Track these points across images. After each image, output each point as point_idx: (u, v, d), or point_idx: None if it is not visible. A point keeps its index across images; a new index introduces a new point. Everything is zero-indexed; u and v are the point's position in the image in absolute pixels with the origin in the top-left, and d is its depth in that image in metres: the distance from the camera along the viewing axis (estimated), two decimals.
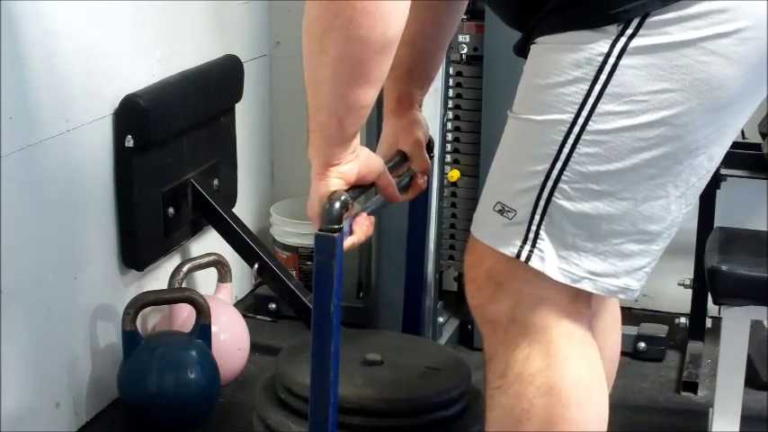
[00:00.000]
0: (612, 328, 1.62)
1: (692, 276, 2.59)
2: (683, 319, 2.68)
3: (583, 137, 1.29)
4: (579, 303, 1.37)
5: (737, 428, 2.04)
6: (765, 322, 2.55)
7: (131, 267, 2.37)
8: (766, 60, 1.29)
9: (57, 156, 2.11)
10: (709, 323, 2.65)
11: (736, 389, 2.03)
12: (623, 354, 2.52)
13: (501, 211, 1.35)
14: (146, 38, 2.40)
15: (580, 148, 1.30)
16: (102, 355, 2.31)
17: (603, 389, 1.40)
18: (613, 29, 1.27)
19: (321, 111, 1.34)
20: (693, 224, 2.49)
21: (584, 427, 1.36)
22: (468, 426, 1.68)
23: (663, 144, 1.29)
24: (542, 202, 1.32)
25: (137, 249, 2.34)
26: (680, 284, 2.62)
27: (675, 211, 1.34)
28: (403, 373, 1.71)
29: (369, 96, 1.33)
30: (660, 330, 2.66)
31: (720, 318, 2.08)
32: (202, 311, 2.25)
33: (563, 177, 1.31)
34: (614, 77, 1.27)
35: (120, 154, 2.27)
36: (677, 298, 2.75)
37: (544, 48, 1.34)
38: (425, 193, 1.72)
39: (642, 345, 2.61)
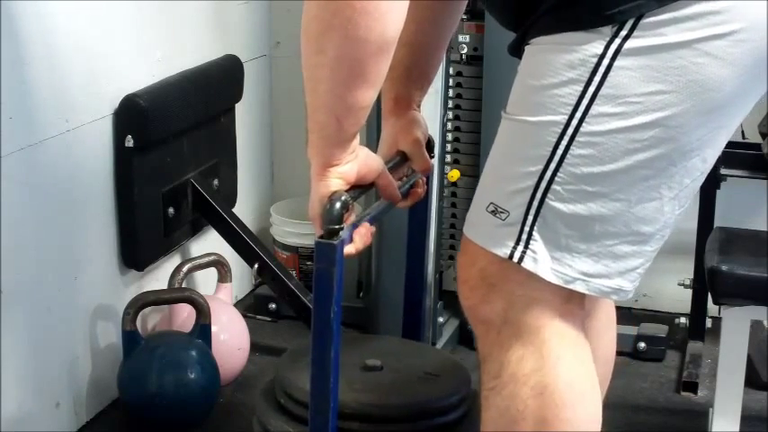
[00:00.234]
0: (607, 328, 1.62)
1: (692, 276, 2.59)
2: (683, 319, 2.68)
3: (576, 138, 1.29)
4: (572, 304, 1.37)
5: (737, 428, 2.04)
6: (765, 322, 2.55)
7: (131, 267, 2.37)
8: (761, 62, 1.29)
9: (57, 156, 2.11)
10: (709, 323, 2.65)
11: (736, 389, 2.03)
12: (623, 354, 2.56)
13: (494, 212, 1.35)
14: (146, 38, 2.40)
15: (574, 150, 1.30)
16: (102, 355, 2.31)
17: (597, 389, 1.40)
18: (608, 30, 1.27)
19: (320, 111, 1.34)
20: (693, 224, 2.49)
21: (578, 428, 1.36)
22: (468, 431, 1.68)
23: (657, 146, 1.29)
24: (535, 203, 1.32)
25: (137, 249, 2.35)
26: (680, 284, 2.62)
27: (669, 212, 1.34)
28: (403, 379, 1.71)
29: (367, 97, 1.32)
30: (660, 330, 2.66)
31: (720, 318, 2.08)
32: (202, 311, 2.25)
33: (556, 179, 1.31)
34: (608, 79, 1.27)
35: (120, 154, 2.27)
36: (677, 298, 2.75)
37: (538, 48, 1.34)
38: (425, 194, 1.72)
39: (642, 345, 2.61)
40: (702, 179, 1.37)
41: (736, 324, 2.01)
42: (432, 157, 1.69)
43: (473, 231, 1.39)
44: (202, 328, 2.26)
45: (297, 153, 2.71)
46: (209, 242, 2.63)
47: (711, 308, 2.50)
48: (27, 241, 2.04)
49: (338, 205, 1.35)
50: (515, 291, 1.35)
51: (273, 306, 2.80)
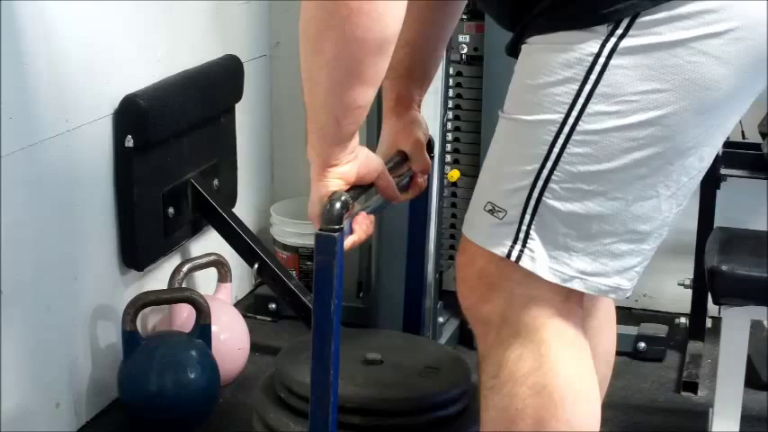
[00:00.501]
0: (606, 327, 1.62)
1: (691, 276, 2.59)
2: (683, 319, 2.68)
3: (573, 137, 1.29)
4: (571, 303, 1.37)
5: (737, 428, 2.04)
6: (765, 322, 2.55)
7: (131, 267, 2.37)
8: (757, 60, 1.29)
9: (57, 156, 2.11)
10: (709, 323, 2.65)
11: (736, 389, 2.03)
12: (623, 354, 2.56)
13: (491, 211, 1.35)
14: (146, 38, 2.41)
15: (570, 148, 1.30)
16: (102, 355, 2.31)
17: (596, 388, 1.40)
18: (603, 29, 1.27)
19: (319, 111, 1.34)
20: (693, 224, 2.49)
21: (577, 427, 1.36)
22: (467, 425, 1.69)
23: (653, 144, 1.29)
24: (533, 202, 1.32)
25: (137, 249, 2.35)
26: (680, 284, 2.62)
27: (666, 210, 1.34)
28: (403, 373, 1.71)
29: (366, 97, 1.33)
30: (660, 330, 2.66)
31: (720, 318, 2.08)
32: (202, 311, 2.25)
33: (553, 177, 1.31)
34: (604, 78, 1.27)
35: (120, 154, 2.28)
36: (677, 298, 2.75)
37: (535, 48, 1.34)
38: (425, 193, 1.72)
39: (642, 345, 2.61)
40: (700, 177, 1.37)
41: (736, 324, 2.01)
42: (432, 157, 1.69)
43: (471, 231, 1.39)
44: (202, 328, 2.26)
45: (297, 153, 2.71)
46: (209, 242, 2.63)
47: (711, 308, 2.50)
48: (27, 241, 2.05)
49: (338, 205, 1.35)
50: (514, 290, 1.36)
51: (273, 306, 2.80)
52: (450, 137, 2.59)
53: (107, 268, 2.32)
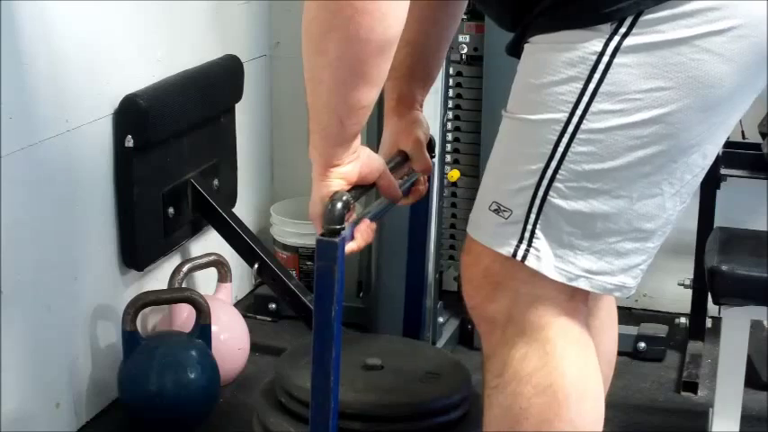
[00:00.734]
0: (608, 327, 1.62)
1: (691, 276, 2.59)
2: (683, 319, 2.69)
3: (577, 136, 1.29)
4: (576, 301, 1.37)
5: (737, 428, 2.04)
6: (765, 322, 2.55)
7: (131, 267, 2.37)
8: (760, 58, 1.29)
9: (57, 156, 2.11)
10: (709, 323, 2.65)
11: (736, 389, 2.03)
12: (623, 354, 2.55)
13: (497, 211, 1.35)
14: (146, 38, 2.40)
15: (575, 147, 1.30)
16: (102, 355, 2.31)
17: (600, 387, 1.40)
18: (607, 27, 1.27)
19: (321, 111, 1.34)
20: (693, 224, 2.49)
21: (581, 426, 1.36)
22: (468, 430, 1.69)
23: (657, 142, 1.29)
24: (538, 201, 1.33)
25: (137, 249, 2.34)
26: (680, 284, 2.62)
27: (670, 208, 1.35)
28: (403, 378, 1.71)
29: (369, 97, 1.33)
30: (660, 330, 2.66)
31: (720, 318, 2.08)
32: (202, 311, 2.25)
33: (558, 176, 1.31)
34: (608, 76, 1.27)
35: (120, 154, 2.27)
36: (677, 298, 2.76)
37: (538, 47, 1.34)
38: (426, 194, 1.72)
39: (642, 345, 2.61)
40: (703, 175, 1.37)
41: (736, 324, 2.01)
42: (432, 157, 1.69)
43: (476, 230, 1.39)
44: (202, 328, 2.26)
45: (297, 153, 2.72)
46: (209, 242, 2.63)
47: (711, 308, 2.50)
48: (27, 241, 2.04)
49: (339, 205, 1.35)
50: (519, 289, 1.36)
51: (273, 306, 2.80)
52: (450, 137, 2.59)
53: (107, 268, 2.32)
